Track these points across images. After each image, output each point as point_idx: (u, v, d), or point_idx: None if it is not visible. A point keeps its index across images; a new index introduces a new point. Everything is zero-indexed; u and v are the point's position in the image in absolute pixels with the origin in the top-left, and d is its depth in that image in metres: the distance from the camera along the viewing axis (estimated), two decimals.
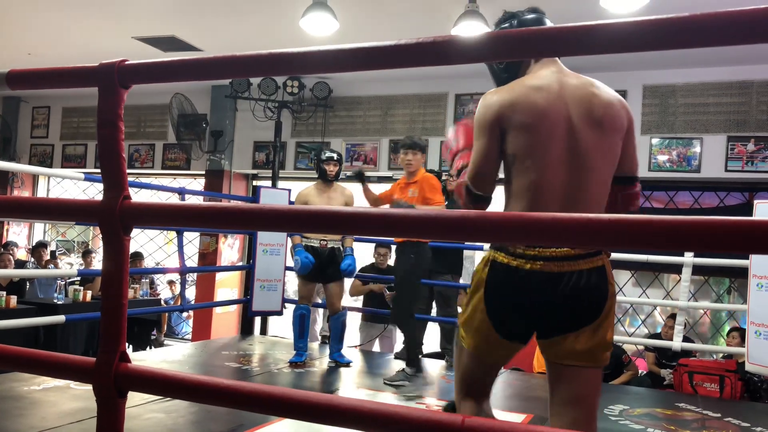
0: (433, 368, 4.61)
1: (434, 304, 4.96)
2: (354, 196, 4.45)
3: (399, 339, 5.54)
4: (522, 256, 1.58)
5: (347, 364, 4.39)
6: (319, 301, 6.00)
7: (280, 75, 1.31)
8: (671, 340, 4.60)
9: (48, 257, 7.13)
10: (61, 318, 3.98)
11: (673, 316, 4.92)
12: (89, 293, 5.72)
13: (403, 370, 3.99)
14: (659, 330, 5.47)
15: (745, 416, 3.42)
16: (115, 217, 1.21)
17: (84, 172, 4.59)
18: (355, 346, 5.49)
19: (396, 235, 1.45)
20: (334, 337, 4.49)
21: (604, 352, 1.62)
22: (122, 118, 1.28)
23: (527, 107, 1.58)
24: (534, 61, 1.69)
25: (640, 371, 5.12)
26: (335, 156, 4.42)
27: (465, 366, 1.73)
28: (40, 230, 8.78)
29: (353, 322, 5.31)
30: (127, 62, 1.26)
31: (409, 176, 4.04)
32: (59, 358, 1.31)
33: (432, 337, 5.41)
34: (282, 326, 7.40)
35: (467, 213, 1.01)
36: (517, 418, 3.27)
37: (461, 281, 5.05)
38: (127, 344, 1.28)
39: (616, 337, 5.49)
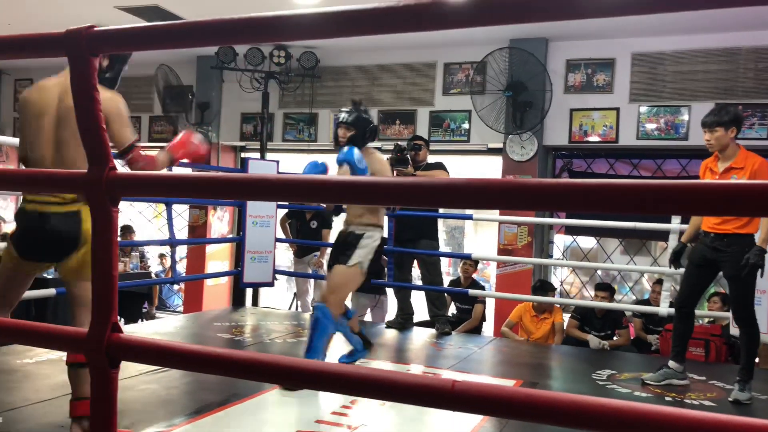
0: (423, 336, 4.66)
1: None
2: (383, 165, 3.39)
3: (391, 309, 5.58)
4: (26, 200, 2.24)
5: None
6: (310, 271, 6.02)
7: (261, 41, 1.28)
8: (658, 306, 4.66)
9: None
10: (51, 291, 3.96)
11: (659, 282, 4.98)
12: None
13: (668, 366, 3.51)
14: (647, 297, 5.54)
15: (729, 379, 3.49)
16: (102, 189, 1.20)
17: None
18: None
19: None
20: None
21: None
22: (97, 87, 1.25)
23: (26, 104, 2.27)
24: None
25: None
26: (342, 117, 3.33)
27: None
28: None
29: None
30: (95, 28, 1.23)
31: (724, 158, 3.30)
32: (52, 329, 1.31)
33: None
34: (272, 298, 7.45)
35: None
36: (508, 383, 3.32)
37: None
38: (118, 317, 1.28)
39: (610, 304, 5.52)
